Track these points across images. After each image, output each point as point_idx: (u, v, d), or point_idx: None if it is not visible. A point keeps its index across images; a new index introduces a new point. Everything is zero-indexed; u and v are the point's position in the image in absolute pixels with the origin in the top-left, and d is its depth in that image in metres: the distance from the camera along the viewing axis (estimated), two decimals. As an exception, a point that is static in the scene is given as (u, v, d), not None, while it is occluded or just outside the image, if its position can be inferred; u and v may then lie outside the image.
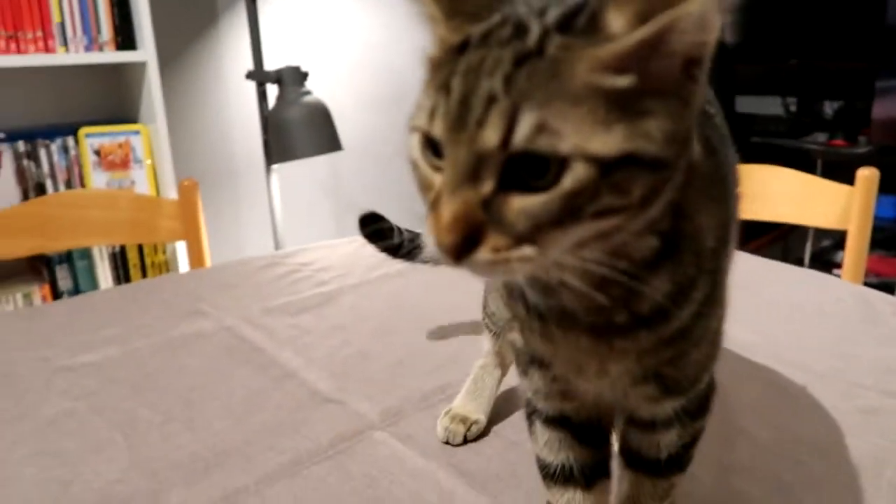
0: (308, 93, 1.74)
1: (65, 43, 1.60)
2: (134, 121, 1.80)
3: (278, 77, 1.73)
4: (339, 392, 0.72)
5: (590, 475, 0.46)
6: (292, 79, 1.72)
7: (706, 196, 0.35)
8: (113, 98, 1.87)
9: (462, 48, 0.30)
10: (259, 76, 1.77)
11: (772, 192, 1.39)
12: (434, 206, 0.30)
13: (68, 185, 1.72)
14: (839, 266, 1.28)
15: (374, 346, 0.83)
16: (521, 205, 0.29)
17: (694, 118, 0.31)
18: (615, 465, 0.48)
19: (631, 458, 0.46)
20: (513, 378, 0.64)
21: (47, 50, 1.58)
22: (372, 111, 2.31)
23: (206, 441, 0.64)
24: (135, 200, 1.44)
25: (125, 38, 1.66)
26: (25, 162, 1.66)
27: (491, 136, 0.28)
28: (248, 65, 1.82)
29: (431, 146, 0.31)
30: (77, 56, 1.61)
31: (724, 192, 0.37)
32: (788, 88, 2.69)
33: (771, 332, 0.83)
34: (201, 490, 0.57)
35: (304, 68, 1.75)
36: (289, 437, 0.63)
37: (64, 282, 1.75)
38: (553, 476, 0.46)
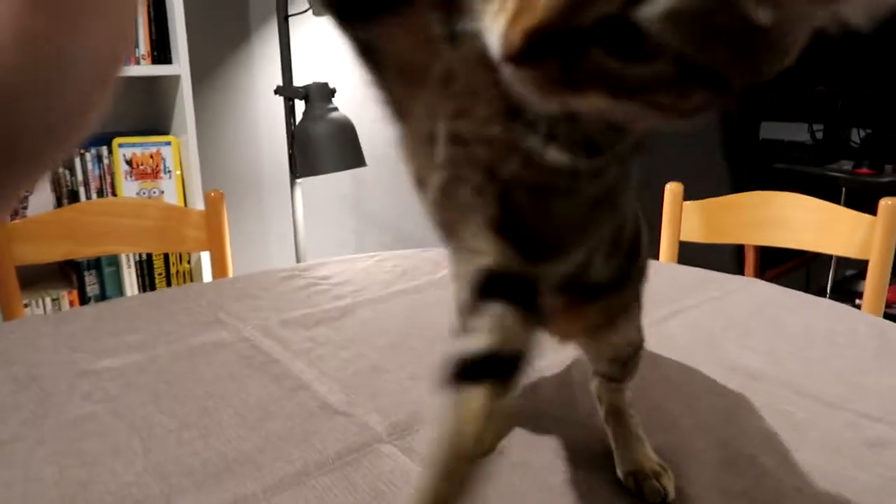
0: (335, 109, 1.78)
1: (102, 56, 1.66)
2: (166, 132, 1.86)
3: (306, 93, 1.77)
4: (349, 405, 0.73)
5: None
6: (320, 95, 1.76)
7: None
8: (146, 110, 1.92)
9: None
10: (287, 92, 1.81)
11: (794, 218, 1.39)
12: None
13: (100, 193, 1.77)
14: (861, 296, 1.27)
15: (387, 360, 0.85)
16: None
17: None
18: None
19: None
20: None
21: (85, 63, 1.64)
22: (397, 128, 2.34)
23: (219, 448, 0.66)
24: (163, 210, 1.48)
25: (161, 52, 1.72)
26: (61, 170, 1.72)
27: None
28: (278, 80, 1.86)
29: None
30: (113, 69, 1.67)
31: None
32: (815, 115, 2.68)
33: (782, 361, 0.83)
34: (211, 495, 0.59)
35: (331, 85, 1.79)
36: (298, 447, 0.65)
37: (91, 287, 1.80)
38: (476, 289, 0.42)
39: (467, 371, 0.38)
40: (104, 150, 1.76)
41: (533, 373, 0.69)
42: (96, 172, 1.76)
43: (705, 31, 0.25)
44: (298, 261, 1.96)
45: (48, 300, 1.73)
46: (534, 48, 0.26)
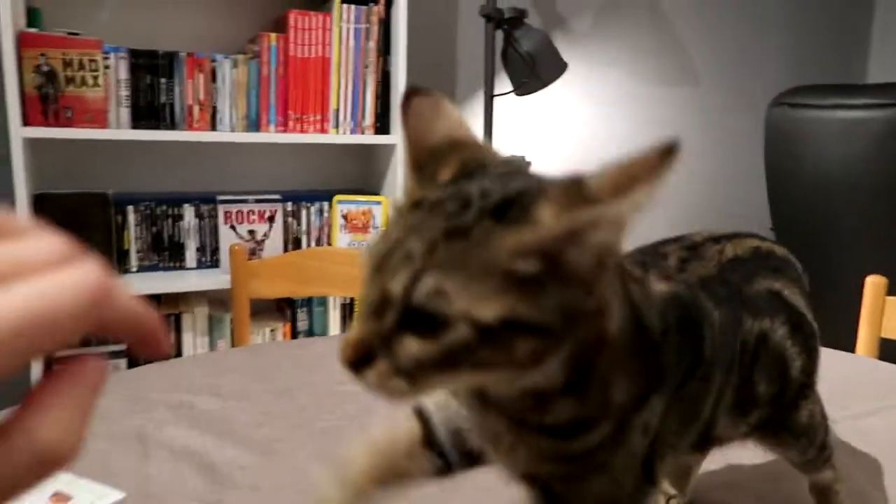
0: (528, 181, 1.92)
1: (336, 126, 1.93)
2: (377, 193, 2.10)
3: (504, 165, 1.93)
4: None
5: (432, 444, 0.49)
6: (516, 167, 1.91)
7: (622, 361, 0.38)
8: (364, 172, 2.19)
9: (415, 206, 0.35)
10: (487, 163, 1.98)
11: None
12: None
13: (318, 241, 2.03)
14: None
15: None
16: (409, 345, 0.33)
17: (604, 296, 0.35)
18: None
19: None
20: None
21: (322, 130, 1.92)
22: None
23: (445, 469, 0.77)
24: (372, 261, 1.68)
25: (382, 124, 1.97)
26: (290, 220, 2.00)
27: (396, 286, 0.33)
28: (478, 152, 2.05)
29: None
30: (344, 137, 1.94)
31: (646, 363, 0.39)
32: None
33: None
34: (443, 507, 0.69)
35: (528, 158, 1.94)
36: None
37: (302, 323, 2.04)
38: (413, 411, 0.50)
39: None
40: (325, 204, 2.03)
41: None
42: (317, 224, 2.03)
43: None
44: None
45: (267, 331, 2.00)
46: (360, 359, 0.34)
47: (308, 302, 2.03)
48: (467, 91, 2.34)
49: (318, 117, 1.91)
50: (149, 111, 1.79)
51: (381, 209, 2.03)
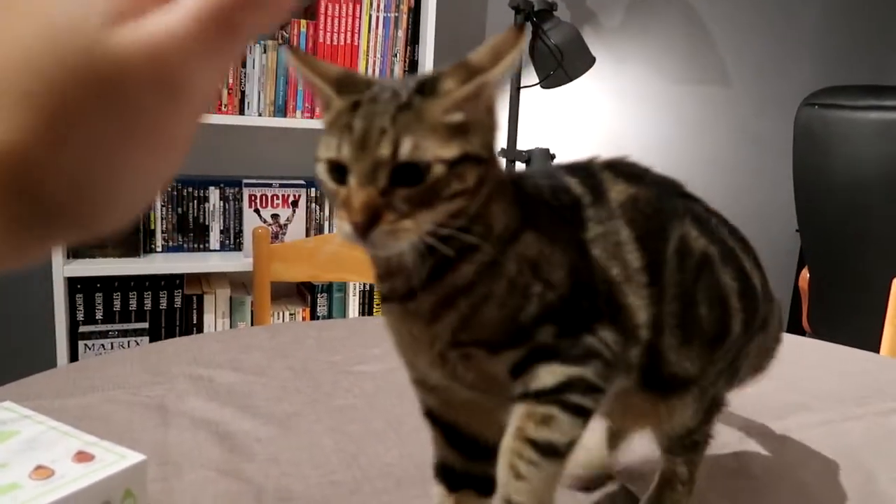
0: (552, 173, 1.91)
1: (362, 113, 1.94)
2: (400, 181, 2.10)
3: (528, 157, 1.93)
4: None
5: (454, 481, 0.57)
6: (540, 159, 1.91)
7: (501, 199, 0.48)
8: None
9: (355, 106, 0.44)
10: (511, 154, 1.98)
11: None
12: (345, 203, 0.43)
13: (340, 228, 2.04)
14: None
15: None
16: (404, 194, 0.43)
17: (495, 133, 0.48)
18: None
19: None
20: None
21: (348, 117, 1.93)
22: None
23: (459, 450, 0.78)
24: (393, 248, 1.68)
25: (408, 112, 1.97)
26: (314, 205, 2.02)
27: (384, 151, 0.42)
28: (503, 144, 2.04)
29: (335, 169, 0.44)
30: (369, 124, 1.95)
31: (520, 207, 0.49)
32: None
33: None
34: (456, 485, 0.70)
35: (552, 150, 1.93)
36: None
37: (321, 308, 2.06)
38: (434, 468, 0.57)
39: None
40: (349, 191, 2.04)
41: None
42: (340, 210, 2.04)
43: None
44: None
45: (287, 314, 2.02)
46: (370, 220, 0.42)
47: (328, 287, 2.05)
48: (494, 83, 2.34)
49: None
50: (178, 93, 1.81)
51: (403, 198, 2.04)
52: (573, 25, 2.12)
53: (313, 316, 2.04)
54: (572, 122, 2.43)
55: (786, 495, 0.72)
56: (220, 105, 1.85)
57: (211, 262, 1.89)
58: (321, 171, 0.45)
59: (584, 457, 0.69)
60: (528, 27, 0.40)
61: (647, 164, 0.61)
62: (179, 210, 1.91)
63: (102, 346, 1.79)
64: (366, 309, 2.08)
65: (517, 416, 0.47)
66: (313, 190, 2.01)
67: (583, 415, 0.48)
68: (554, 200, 0.52)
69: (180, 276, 1.88)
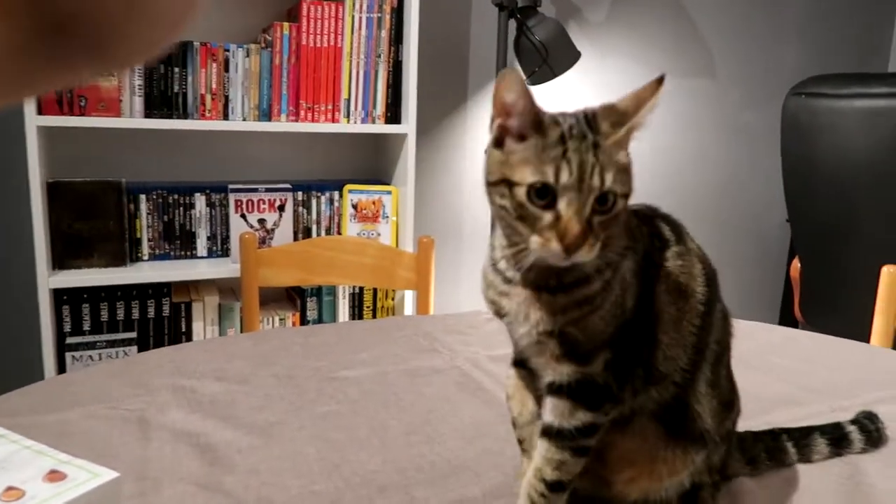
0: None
1: (347, 115, 1.93)
2: (388, 182, 2.09)
3: (515, 154, 1.91)
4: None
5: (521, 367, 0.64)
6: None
7: (623, 234, 0.56)
8: (375, 162, 2.18)
9: (562, 139, 0.51)
10: (497, 152, 1.97)
11: None
12: (554, 227, 0.50)
13: (328, 231, 2.03)
14: None
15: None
16: (600, 220, 0.51)
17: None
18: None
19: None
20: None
21: (334, 120, 1.92)
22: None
23: (442, 454, 0.77)
24: (380, 250, 1.67)
25: (393, 113, 1.96)
26: (300, 209, 2.00)
27: (596, 183, 0.50)
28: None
29: (538, 194, 0.50)
30: (355, 126, 1.94)
31: (629, 236, 0.57)
32: None
33: None
34: (440, 492, 0.69)
35: (538, 148, 1.92)
36: (511, 461, 0.74)
37: (311, 312, 2.05)
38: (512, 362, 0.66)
39: None
40: (336, 194, 2.03)
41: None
42: (327, 213, 2.03)
43: None
44: (490, 308, 2.08)
45: (276, 319, 2.00)
46: (579, 243, 0.50)
47: (317, 291, 2.04)
48: (479, 80, 2.33)
49: (330, 107, 1.91)
50: (162, 100, 1.80)
51: (391, 199, 2.02)
52: (557, 21, 2.11)
53: (303, 320, 2.02)
54: (559, 118, 2.42)
55: (774, 489, 0.71)
56: (204, 111, 1.83)
57: (198, 270, 1.88)
58: (520, 194, 0.51)
59: None
60: (664, 80, 0.53)
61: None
62: (165, 217, 1.90)
63: (90, 357, 1.78)
64: (356, 312, 2.07)
65: (538, 456, 0.59)
66: (300, 193, 2.00)
67: (586, 454, 0.59)
68: (646, 236, 0.60)
69: (168, 285, 1.86)
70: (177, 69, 1.80)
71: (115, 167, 1.90)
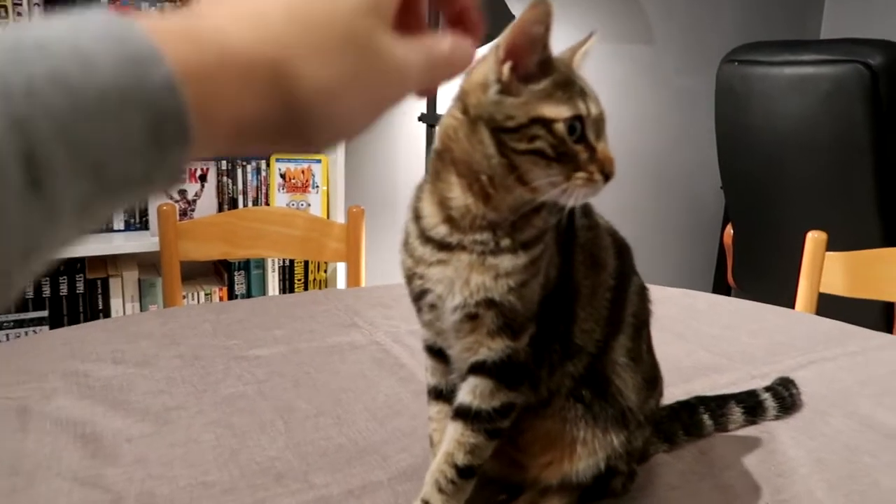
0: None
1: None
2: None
3: (447, 121, 1.86)
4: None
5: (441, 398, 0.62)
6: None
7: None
8: (302, 129, 2.10)
9: (573, 75, 0.51)
10: (430, 119, 1.91)
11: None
12: (594, 159, 0.49)
13: (255, 202, 1.95)
14: None
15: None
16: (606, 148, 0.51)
17: None
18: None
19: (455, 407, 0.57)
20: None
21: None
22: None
23: (351, 436, 0.72)
24: (309, 221, 1.60)
25: (320, 78, 1.88)
26: (225, 179, 1.91)
27: (600, 110, 0.51)
28: (422, 108, 1.97)
29: (570, 129, 0.49)
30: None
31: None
32: None
33: (925, 425, 0.78)
34: (342, 478, 0.65)
35: (471, 114, 1.87)
36: (421, 443, 0.70)
37: (239, 287, 1.97)
38: (430, 392, 0.62)
39: None
40: (262, 163, 1.94)
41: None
42: (254, 183, 1.94)
43: None
44: (425, 279, 2.04)
45: (202, 294, 1.92)
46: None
47: (246, 265, 1.96)
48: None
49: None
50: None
51: (321, 168, 1.95)
52: (491, -17, 2.04)
53: (231, 295, 1.95)
54: (496, 84, 2.37)
55: (689, 460, 0.69)
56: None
57: (115, 244, 1.77)
58: (561, 130, 0.48)
59: None
60: (604, 44, 0.53)
61: None
62: (77, 189, 1.78)
63: (-2, 338, 1.67)
64: (287, 286, 2.00)
65: (451, 439, 0.56)
66: (223, 163, 1.90)
67: (499, 437, 0.56)
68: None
69: (81, 260, 1.76)
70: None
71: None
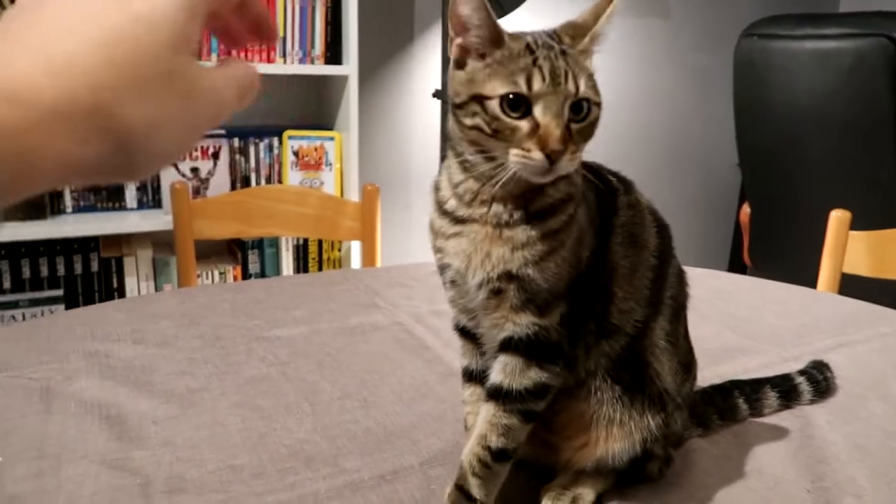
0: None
1: (284, 55, 1.81)
2: (330, 128, 1.99)
3: (462, 97, 1.83)
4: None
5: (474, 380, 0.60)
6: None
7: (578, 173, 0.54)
8: (315, 106, 2.07)
9: (529, 49, 0.49)
10: (444, 95, 1.88)
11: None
12: (534, 134, 0.48)
13: (268, 179, 1.93)
14: None
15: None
16: (577, 128, 0.49)
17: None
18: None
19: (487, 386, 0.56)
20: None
21: (269, 60, 1.79)
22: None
23: (379, 419, 0.71)
24: (322, 199, 1.59)
25: (333, 53, 1.85)
26: (237, 157, 1.89)
27: (571, 88, 0.48)
28: (437, 84, 1.94)
29: (511, 105, 0.48)
30: (292, 67, 1.82)
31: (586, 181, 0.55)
32: None
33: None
34: (373, 462, 0.64)
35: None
36: (451, 427, 0.69)
37: (253, 265, 1.96)
38: (463, 374, 0.61)
39: None
40: (275, 140, 1.92)
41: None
42: (267, 161, 1.92)
43: None
44: (439, 258, 2.02)
45: (216, 273, 1.91)
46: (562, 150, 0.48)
47: (259, 243, 1.95)
48: (425, 17, 2.21)
49: (263, 46, 1.78)
50: (76, 38, 1.65)
51: (334, 145, 1.92)
52: (507, -44, 1.99)
53: (245, 274, 1.94)
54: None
55: (725, 445, 0.68)
56: (126, 50, 1.68)
57: (129, 222, 1.76)
58: (493, 107, 0.48)
59: None
60: (620, 20, 0.58)
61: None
62: (89, 167, 1.76)
63: (13, 317, 1.66)
64: (301, 265, 1.99)
65: (484, 420, 0.54)
66: (236, 140, 1.88)
67: (535, 419, 0.55)
68: (595, 186, 0.56)
69: (95, 239, 1.75)
70: (93, 3, 1.64)
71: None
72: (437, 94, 1.91)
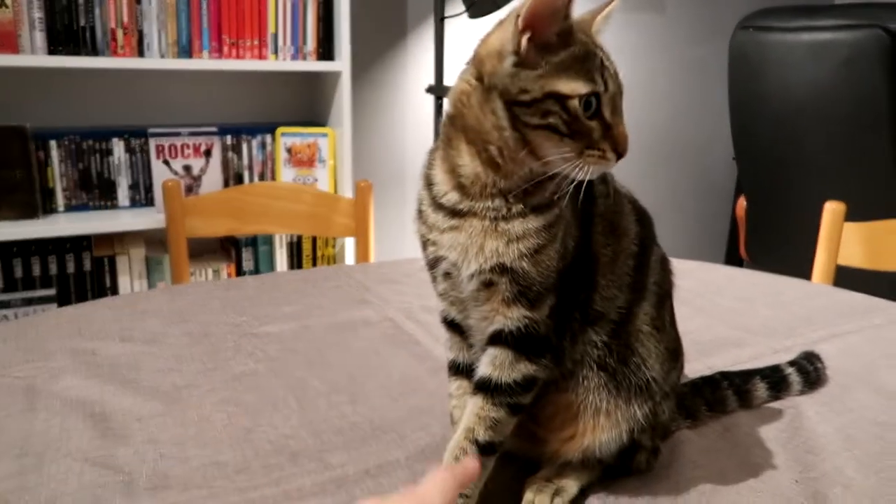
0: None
1: (276, 51, 1.80)
2: (323, 124, 1.98)
3: (455, 92, 1.82)
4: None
5: (461, 374, 0.60)
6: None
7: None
8: (308, 102, 2.06)
9: (595, 47, 0.50)
10: (438, 91, 1.87)
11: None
12: (609, 136, 0.49)
13: (262, 177, 1.92)
14: None
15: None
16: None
17: None
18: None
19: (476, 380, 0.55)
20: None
21: (261, 56, 1.78)
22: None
23: (366, 414, 0.71)
24: (316, 196, 1.58)
25: (326, 49, 1.84)
26: (230, 154, 1.88)
27: (622, 88, 0.50)
28: (430, 80, 1.93)
29: (586, 105, 0.48)
30: (284, 63, 1.81)
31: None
32: None
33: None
34: (359, 457, 0.63)
35: (480, 85, 1.83)
36: (438, 421, 0.68)
37: (247, 263, 1.95)
38: (449, 367, 0.61)
39: None
40: (268, 137, 1.91)
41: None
42: (260, 158, 1.91)
43: None
44: (434, 254, 2.02)
45: (210, 271, 1.91)
46: None
47: (253, 241, 1.94)
48: (417, 12, 2.20)
49: (256, 42, 1.77)
50: (67, 35, 1.64)
51: (327, 141, 1.92)
52: (499, -51, 1.98)
53: (239, 272, 1.93)
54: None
55: (714, 437, 0.68)
56: (116, 47, 1.68)
57: (121, 221, 1.75)
58: (575, 106, 0.47)
59: None
60: (615, 14, 0.54)
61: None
62: (80, 165, 1.76)
63: (6, 316, 1.66)
64: (295, 262, 1.98)
65: (471, 413, 0.54)
66: (228, 137, 1.87)
67: (521, 412, 0.55)
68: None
69: (88, 237, 1.74)
70: (81, 0, 1.63)
71: (18, 111, 1.74)
72: (430, 90, 1.90)
